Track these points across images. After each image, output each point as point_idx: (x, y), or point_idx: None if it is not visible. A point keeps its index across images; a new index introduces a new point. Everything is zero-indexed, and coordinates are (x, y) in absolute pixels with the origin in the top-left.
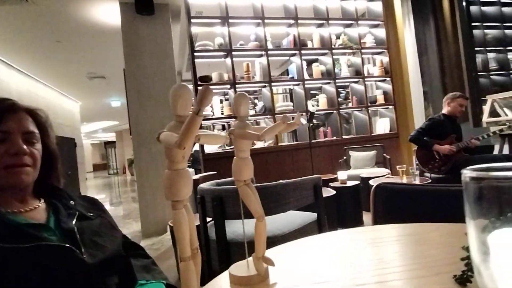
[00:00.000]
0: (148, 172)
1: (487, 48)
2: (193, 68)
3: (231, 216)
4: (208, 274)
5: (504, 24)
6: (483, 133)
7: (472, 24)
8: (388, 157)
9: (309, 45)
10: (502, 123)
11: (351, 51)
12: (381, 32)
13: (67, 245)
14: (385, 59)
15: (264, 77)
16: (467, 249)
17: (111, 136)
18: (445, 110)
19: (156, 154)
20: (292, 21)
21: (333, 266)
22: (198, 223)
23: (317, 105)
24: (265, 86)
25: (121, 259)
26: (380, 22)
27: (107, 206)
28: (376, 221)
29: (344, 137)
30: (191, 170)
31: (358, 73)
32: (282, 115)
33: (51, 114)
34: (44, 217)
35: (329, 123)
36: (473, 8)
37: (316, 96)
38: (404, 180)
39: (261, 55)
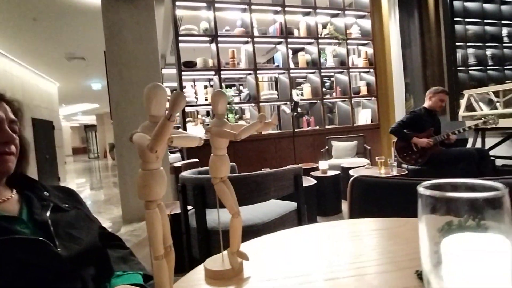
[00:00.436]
0: (129, 157)
1: (467, 44)
2: (177, 52)
3: (212, 205)
4: (189, 261)
5: (485, 21)
6: (459, 127)
7: (455, 19)
8: (368, 147)
9: (296, 33)
10: (477, 118)
11: (337, 41)
12: (367, 23)
13: (40, 238)
14: (370, 50)
15: (249, 64)
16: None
17: (91, 119)
18: (426, 103)
19: None
20: (279, 8)
21: (306, 260)
22: (179, 211)
23: (302, 95)
24: (250, 74)
25: (97, 251)
26: (366, 13)
27: (87, 191)
28: (352, 213)
29: (327, 127)
30: (177, 155)
31: (342, 64)
32: (259, 115)
33: (27, 96)
34: (17, 209)
35: (313, 112)
36: (457, 4)
37: (301, 85)
38: (382, 170)
39: (247, 42)
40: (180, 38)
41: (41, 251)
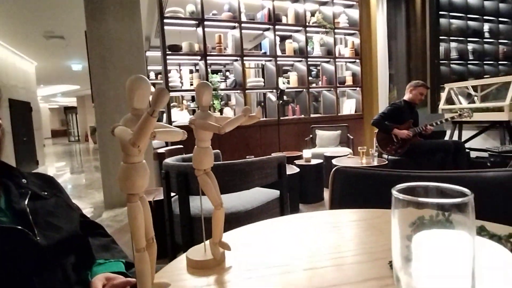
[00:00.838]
0: (111, 142)
1: (451, 38)
2: (162, 35)
3: (195, 192)
4: (171, 247)
5: (468, 16)
6: (438, 119)
7: (440, 12)
8: (351, 137)
9: (284, 20)
10: (455, 111)
11: (324, 30)
12: (355, 13)
13: (19, 227)
14: (357, 40)
15: (236, 50)
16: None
17: (71, 101)
18: (406, 96)
19: None
20: None
21: (287, 250)
22: (162, 197)
23: (288, 83)
24: (237, 60)
25: (78, 240)
26: (354, 3)
27: (68, 175)
28: (333, 203)
29: (312, 115)
30: (161, 141)
31: (329, 53)
32: (243, 108)
33: (3, 75)
34: None
35: (299, 101)
36: None
37: (288, 73)
38: (364, 160)
39: (234, 27)
40: (165, 20)
41: (20, 240)
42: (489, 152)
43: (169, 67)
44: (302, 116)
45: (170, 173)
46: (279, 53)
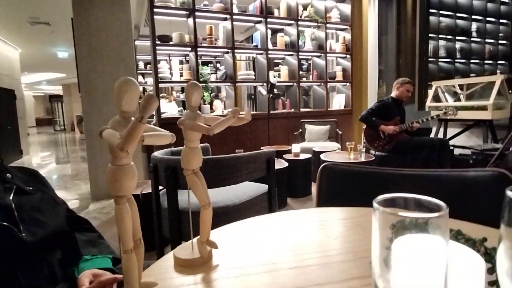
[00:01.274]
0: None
1: (440, 36)
2: (152, 25)
3: (184, 186)
4: (159, 241)
5: (457, 14)
6: (425, 117)
7: (430, 10)
8: (340, 132)
9: (276, 13)
10: (441, 109)
11: (316, 24)
12: (347, 8)
13: (4, 223)
14: (348, 36)
15: (227, 42)
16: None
17: (57, 89)
18: (393, 93)
19: (108, 116)
20: None
21: (273, 248)
22: (150, 190)
23: (279, 76)
24: (227, 52)
25: (64, 235)
26: None
27: (53, 165)
28: (320, 199)
29: (301, 110)
30: None
31: (320, 48)
32: (233, 109)
33: None
34: None
35: (289, 95)
36: None
37: (279, 66)
38: (352, 156)
39: (225, 19)
40: (155, 10)
41: (5, 236)
42: (471, 150)
43: (158, 57)
44: (292, 110)
45: (158, 166)
46: (270, 46)
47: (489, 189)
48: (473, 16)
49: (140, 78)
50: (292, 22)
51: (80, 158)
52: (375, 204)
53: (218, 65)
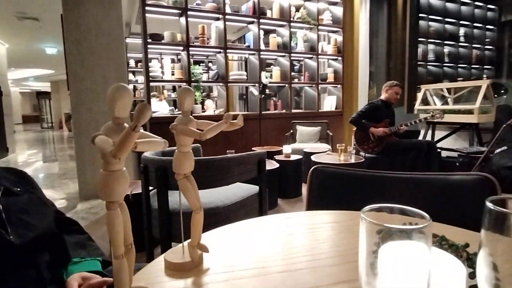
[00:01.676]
0: (87, 131)
1: (429, 40)
2: (144, 23)
3: (174, 187)
4: (149, 242)
5: (446, 19)
6: (413, 119)
7: (420, 15)
8: (331, 134)
9: (268, 14)
10: (428, 112)
11: (308, 26)
12: (339, 11)
13: None
14: (339, 38)
15: (219, 42)
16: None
17: (45, 86)
18: (383, 96)
19: (98, 115)
20: None
21: (263, 251)
22: (140, 190)
23: (270, 77)
24: (220, 52)
25: (52, 237)
26: (339, 0)
27: (40, 163)
28: (310, 201)
29: (293, 111)
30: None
31: (312, 49)
32: (224, 114)
33: None
34: None
35: (280, 95)
36: (423, 0)
37: (271, 67)
38: (342, 157)
39: (218, 19)
40: (147, 8)
41: None
42: (458, 153)
43: (150, 56)
44: (284, 111)
45: (149, 167)
46: (262, 47)
47: (473, 193)
48: (461, 22)
49: (131, 76)
50: (284, 23)
51: (68, 156)
52: (362, 215)
53: (210, 64)
